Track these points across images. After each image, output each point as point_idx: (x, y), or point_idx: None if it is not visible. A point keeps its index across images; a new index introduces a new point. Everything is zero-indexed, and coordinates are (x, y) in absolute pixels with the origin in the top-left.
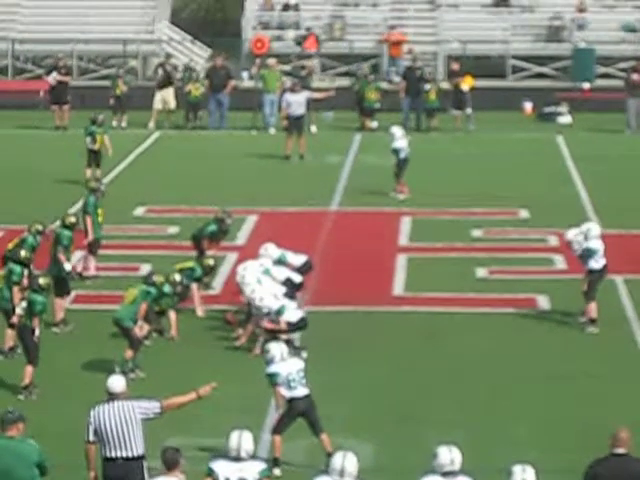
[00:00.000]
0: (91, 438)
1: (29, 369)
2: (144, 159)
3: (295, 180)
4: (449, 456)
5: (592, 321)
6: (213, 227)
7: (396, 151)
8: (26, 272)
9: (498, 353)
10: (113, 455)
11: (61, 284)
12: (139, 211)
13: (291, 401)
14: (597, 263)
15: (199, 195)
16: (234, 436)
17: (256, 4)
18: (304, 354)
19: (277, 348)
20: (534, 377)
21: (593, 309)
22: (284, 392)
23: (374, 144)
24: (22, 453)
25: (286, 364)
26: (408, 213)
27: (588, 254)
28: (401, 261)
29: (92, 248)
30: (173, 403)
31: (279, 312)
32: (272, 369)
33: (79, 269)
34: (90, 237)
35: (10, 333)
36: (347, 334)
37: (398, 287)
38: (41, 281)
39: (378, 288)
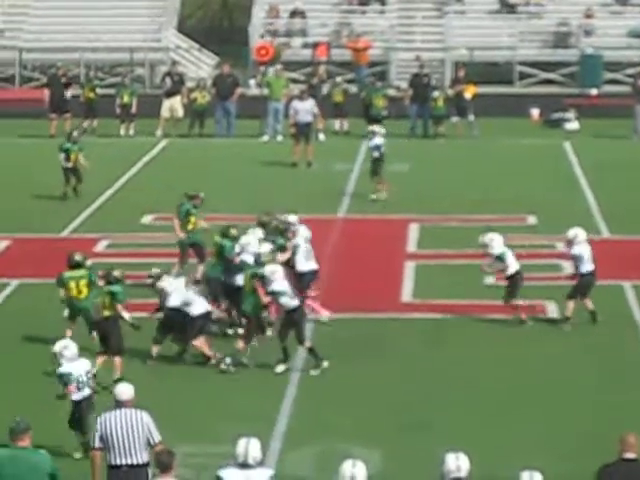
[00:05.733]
0: (97, 444)
1: (118, 361)
2: (152, 167)
3: (303, 187)
4: (456, 463)
5: (567, 319)
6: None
7: (377, 147)
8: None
9: (506, 360)
10: (118, 462)
11: None
12: (147, 219)
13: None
14: (585, 267)
15: (207, 202)
16: (241, 443)
17: (263, 12)
18: (325, 364)
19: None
20: (541, 384)
21: (571, 308)
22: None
23: None
24: (35, 463)
25: None
26: (416, 220)
27: (576, 259)
28: (409, 268)
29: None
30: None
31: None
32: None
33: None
34: (180, 235)
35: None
36: (355, 341)
37: (406, 294)
38: (116, 274)
39: (386, 295)
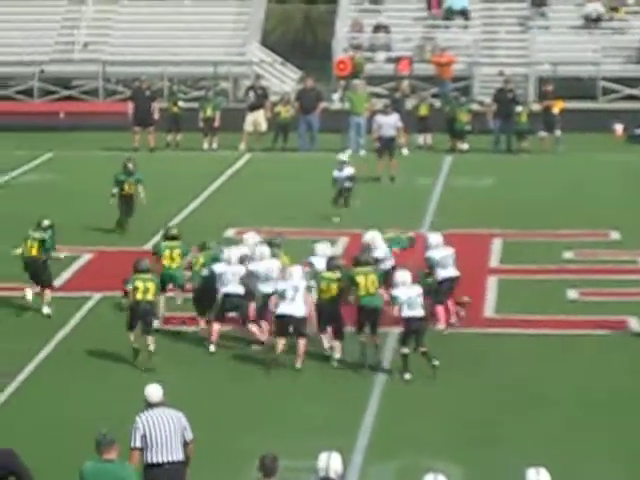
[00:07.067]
0: (138, 444)
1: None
2: (235, 181)
3: (386, 202)
4: (536, 478)
5: None
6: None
7: (350, 178)
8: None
9: (589, 375)
10: (161, 460)
11: None
12: (230, 232)
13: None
14: None
15: (289, 217)
16: (323, 457)
17: (347, 26)
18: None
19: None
20: (624, 399)
21: None
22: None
23: (465, 166)
24: (123, 477)
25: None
26: (499, 235)
27: None
28: (492, 283)
29: None
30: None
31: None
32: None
33: None
34: None
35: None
36: (438, 355)
37: (489, 309)
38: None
39: (469, 310)
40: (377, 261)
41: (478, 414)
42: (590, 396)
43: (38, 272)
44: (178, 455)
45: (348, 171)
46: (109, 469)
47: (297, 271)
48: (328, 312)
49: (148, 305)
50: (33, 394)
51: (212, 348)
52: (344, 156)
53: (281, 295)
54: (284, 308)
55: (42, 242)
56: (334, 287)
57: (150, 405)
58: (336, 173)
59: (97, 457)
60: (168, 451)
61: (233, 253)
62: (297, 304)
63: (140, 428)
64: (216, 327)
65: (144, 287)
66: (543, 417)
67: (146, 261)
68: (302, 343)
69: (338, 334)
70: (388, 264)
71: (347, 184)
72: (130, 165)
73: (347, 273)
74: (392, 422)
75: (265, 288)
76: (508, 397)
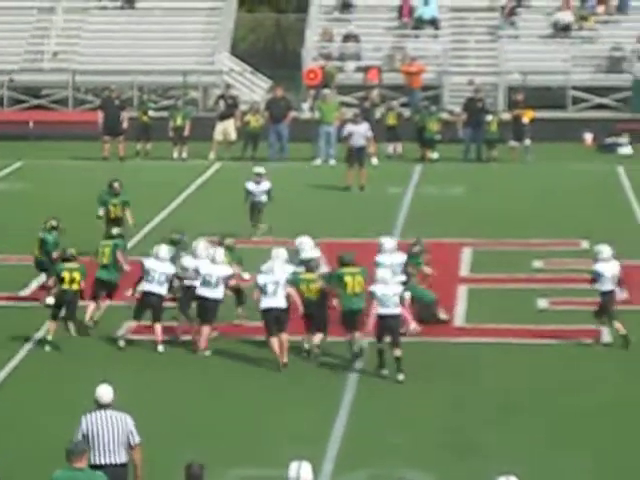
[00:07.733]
0: None
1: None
2: (204, 190)
3: (356, 211)
4: None
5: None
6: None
7: (269, 192)
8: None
9: (559, 385)
10: (103, 462)
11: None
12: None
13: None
14: (605, 286)
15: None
16: (293, 466)
17: (316, 35)
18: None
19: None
20: (596, 408)
21: (620, 328)
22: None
23: (435, 175)
24: None
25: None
26: (469, 244)
27: (595, 276)
28: (462, 292)
29: None
30: (137, 460)
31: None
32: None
33: None
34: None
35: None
36: (408, 365)
37: (459, 318)
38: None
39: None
40: (304, 262)
41: (450, 423)
42: (562, 405)
43: (44, 270)
44: (121, 458)
45: (265, 185)
46: (79, 477)
47: (278, 266)
48: (310, 313)
49: (73, 294)
50: (2, 402)
51: (160, 348)
52: (261, 169)
53: (262, 290)
54: (267, 302)
55: (42, 241)
56: (314, 288)
57: (99, 406)
58: (251, 186)
59: (67, 465)
60: (110, 453)
61: (163, 250)
62: (279, 297)
63: (84, 428)
64: (157, 327)
65: (70, 277)
66: (516, 426)
67: (71, 250)
68: (284, 338)
69: (321, 329)
70: (324, 269)
71: (263, 198)
72: (116, 185)
73: (336, 273)
74: (363, 430)
75: (202, 291)
76: (480, 406)
